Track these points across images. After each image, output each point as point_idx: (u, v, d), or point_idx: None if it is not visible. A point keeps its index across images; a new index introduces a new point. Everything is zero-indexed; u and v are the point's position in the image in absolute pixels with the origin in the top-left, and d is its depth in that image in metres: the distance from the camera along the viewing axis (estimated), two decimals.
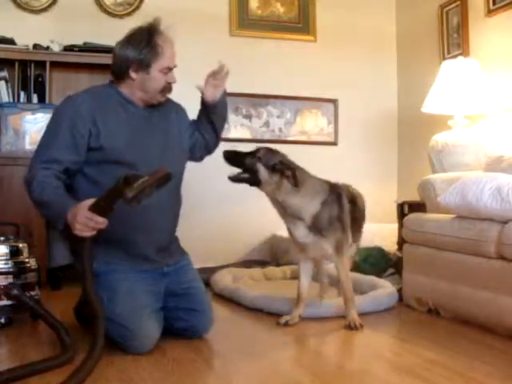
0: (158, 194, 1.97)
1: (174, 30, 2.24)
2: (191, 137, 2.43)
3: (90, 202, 1.88)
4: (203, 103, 2.42)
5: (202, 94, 2.39)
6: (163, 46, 2.17)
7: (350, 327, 2.41)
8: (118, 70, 2.20)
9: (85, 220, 1.85)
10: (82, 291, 2.41)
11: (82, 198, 2.06)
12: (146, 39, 2.16)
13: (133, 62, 2.15)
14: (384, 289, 2.94)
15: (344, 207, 2.49)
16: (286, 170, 2.36)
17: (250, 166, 2.35)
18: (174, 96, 2.36)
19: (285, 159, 2.45)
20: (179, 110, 2.44)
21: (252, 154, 2.39)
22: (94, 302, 1.87)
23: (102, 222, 1.87)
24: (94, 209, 1.86)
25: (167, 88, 2.25)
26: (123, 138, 2.15)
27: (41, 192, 2.01)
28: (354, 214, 2.58)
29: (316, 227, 2.39)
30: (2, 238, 2.54)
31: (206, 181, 3.84)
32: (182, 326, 2.26)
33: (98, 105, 2.16)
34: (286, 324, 2.46)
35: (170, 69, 2.21)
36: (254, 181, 2.36)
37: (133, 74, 2.17)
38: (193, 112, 2.47)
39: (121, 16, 4.03)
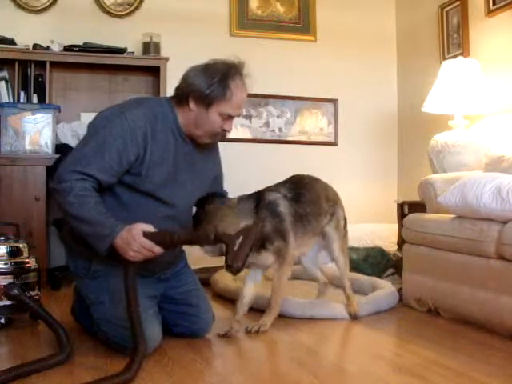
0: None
1: (251, 78, 2.15)
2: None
3: (145, 227, 1.83)
4: None
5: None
6: (234, 91, 2.03)
7: (247, 330, 2.33)
8: (181, 93, 2.05)
9: (140, 249, 1.81)
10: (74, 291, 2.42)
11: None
12: (220, 77, 2.02)
13: (197, 92, 2.01)
14: (385, 289, 2.94)
15: (279, 214, 2.32)
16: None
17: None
18: None
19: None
20: (216, 150, 2.34)
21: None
22: (138, 332, 1.81)
23: (158, 251, 1.82)
24: (152, 237, 1.81)
25: (219, 134, 2.10)
26: (163, 173, 2.03)
27: (80, 207, 1.87)
28: (302, 208, 2.42)
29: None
30: (2, 238, 2.54)
31: None
32: (180, 330, 2.24)
33: (153, 130, 2.00)
34: (226, 335, 2.29)
35: (230, 116, 2.07)
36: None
37: (192, 105, 2.03)
38: None
39: (121, 16, 4.04)
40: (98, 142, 1.94)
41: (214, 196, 2.30)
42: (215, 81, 2.00)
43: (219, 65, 2.06)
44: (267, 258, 2.33)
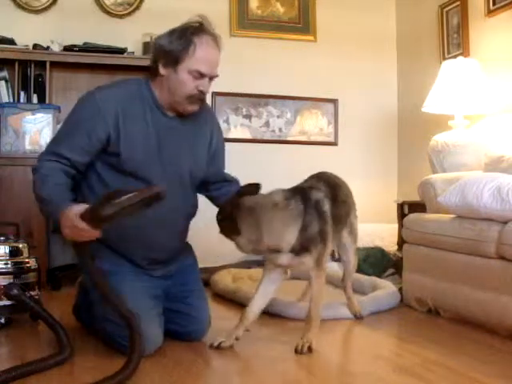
0: (164, 211, 1.91)
1: (221, 36, 2.13)
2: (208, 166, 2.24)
3: (83, 207, 1.77)
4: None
5: None
6: (198, 44, 2.00)
7: (297, 351, 2.06)
8: (151, 63, 2.06)
9: (73, 230, 1.75)
10: (78, 292, 2.42)
11: (92, 197, 2.02)
12: (180, 32, 2.01)
13: (163, 53, 2.00)
14: (386, 289, 2.94)
15: (324, 215, 2.13)
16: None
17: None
18: None
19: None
20: (216, 129, 2.28)
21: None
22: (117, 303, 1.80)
23: (93, 234, 1.75)
24: (84, 217, 1.73)
25: (196, 96, 2.03)
26: (143, 151, 2.01)
27: (40, 186, 1.92)
28: (337, 208, 2.26)
29: (297, 249, 2.08)
30: (2, 238, 2.54)
31: None
32: (175, 329, 2.22)
33: (125, 107, 2.00)
34: (218, 347, 2.13)
35: (201, 74, 2.01)
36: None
37: (161, 69, 2.01)
38: None
39: (121, 16, 4.04)
40: (69, 123, 2.04)
41: (246, 189, 2.09)
42: (175, 36, 2.01)
43: (181, 25, 2.06)
44: (309, 261, 2.11)
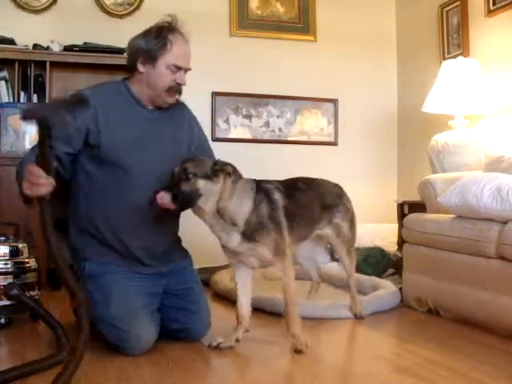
0: (147, 197, 1.98)
1: (189, 33, 2.24)
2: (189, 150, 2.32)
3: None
4: None
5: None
6: (173, 41, 2.14)
7: (297, 351, 2.07)
8: (129, 63, 2.18)
9: (27, 174, 1.75)
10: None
11: (82, 195, 2.13)
12: (156, 31, 2.15)
13: (141, 52, 2.13)
14: (386, 289, 2.94)
15: (273, 201, 2.17)
16: (226, 166, 2.06)
17: (189, 191, 2.00)
18: None
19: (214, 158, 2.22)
20: (193, 119, 2.38)
21: (182, 177, 2.02)
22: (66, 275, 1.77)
23: (39, 173, 1.72)
24: (37, 164, 1.75)
25: (174, 88, 2.17)
26: (123, 140, 2.11)
27: (20, 165, 1.96)
28: (299, 206, 2.30)
29: (249, 232, 2.09)
30: (2, 238, 2.54)
31: None
32: (176, 327, 2.23)
33: (103, 102, 2.12)
34: (217, 347, 2.13)
35: (178, 67, 2.15)
36: (191, 202, 2.03)
37: (140, 67, 2.14)
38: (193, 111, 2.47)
39: (121, 16, 4.04)
40: None
41: None
42: (153, 36, 2.14)
43: (154, 25, 2.20)
44: (264, 251, 2.12)
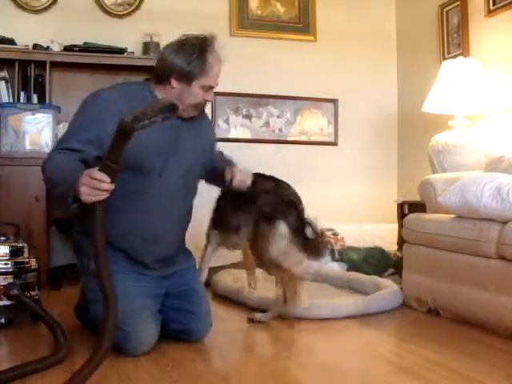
0: (166, 201, 2.00)
1: (225, 51, 2.23)
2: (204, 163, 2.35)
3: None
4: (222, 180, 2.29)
5: (230, 181, 2.24)
6: (212, 64, 2.14)
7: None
8: (161, 74, 2.14)
9: (87, 180, 1.70)
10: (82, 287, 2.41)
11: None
12: (198, 53, 2.11)
13: (178, 70, 2.10)
14: (389, 288, 2.94)
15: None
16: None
17: None
18: None
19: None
20: (210, 127, 2.45)
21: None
22: (109, 293, 1.75)
23: (105, 179, 1.70)
24: (101, 169, 1.71)
25: (202, 105, 2.20)
26: (146, 147, 2.07)
27: (54, 171, 1.92)
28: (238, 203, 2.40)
29: None
30: (2, 238, 2.54)
31: None
32: (177, 327, 2.23)
33: (129, 106, 2.00)
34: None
35: (211, 87, 2.17)
36: None
37: (174, 83, 2.12)
38: None
39: (121, 16, 4.04)
40: (76, 122, 2.06)
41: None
42: (194, 57, 2.10)
43: (193, 40, 2.15)
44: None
